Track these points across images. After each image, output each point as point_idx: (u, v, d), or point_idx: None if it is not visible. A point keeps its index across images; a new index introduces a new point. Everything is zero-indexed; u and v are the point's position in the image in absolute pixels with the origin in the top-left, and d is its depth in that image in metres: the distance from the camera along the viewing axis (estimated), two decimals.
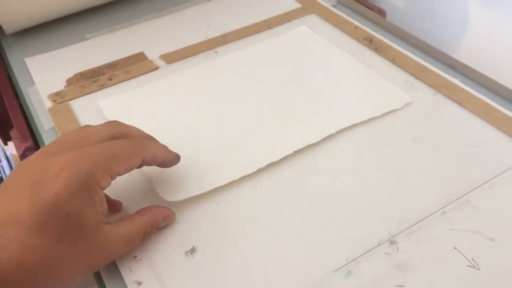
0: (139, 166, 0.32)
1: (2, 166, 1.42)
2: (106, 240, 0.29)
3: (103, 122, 0.42)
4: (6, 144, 0.58)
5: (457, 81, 0.45)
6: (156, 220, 0.33)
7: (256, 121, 0.42)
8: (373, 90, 0.45)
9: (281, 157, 0.38)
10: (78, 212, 0.27)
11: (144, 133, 0.35)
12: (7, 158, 1.39)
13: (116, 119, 0.35)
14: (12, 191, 0.27)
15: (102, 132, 0.31)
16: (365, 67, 0.48)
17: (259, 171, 0.38)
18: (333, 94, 0.45)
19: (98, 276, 0.32)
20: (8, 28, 0.54)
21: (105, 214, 0.29)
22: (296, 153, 0.39)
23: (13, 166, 1.28)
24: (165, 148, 0.34)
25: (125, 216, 0.32)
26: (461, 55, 0.49)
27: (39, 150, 0.30)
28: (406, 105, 0.43)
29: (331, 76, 0.47)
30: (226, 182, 0.37)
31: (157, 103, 0.45)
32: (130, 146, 0.31)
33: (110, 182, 0.29)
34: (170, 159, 0.34)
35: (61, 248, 0.26)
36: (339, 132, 0.41)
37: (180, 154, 0.36)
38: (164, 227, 0.34)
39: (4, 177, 1.43)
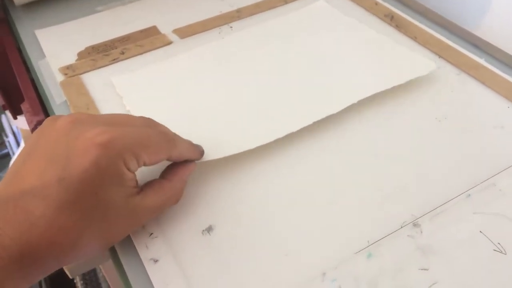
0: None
1: (9, 142, 1.42)
2: (136, 211, 0.29)
3: (115, 97, 0.42)
4: (15, 118, 0.57)
5: (481, 60, 0.44)
6: (184, 181, 0.32)
7: (275, 94, 0.41)
8: (395, 59, 0.43)
9: (300, 127, 0.37)
10: (106, 191, 0.26)
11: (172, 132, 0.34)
12: (13, 133, 1.39)
13: (129, 97, 0.34)
14: (39, 160, 0.26)
15: (137, 120, 0.31)
16: (386, 38, 0.46)
17: (278, 150, 0.37)
18: (354, 66, 0.43)
19: (113, 252, 0.31)
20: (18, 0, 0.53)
21: (135, 186, 0.29)
22: (316, 132, 0.38)
23: (20, 141, 1.27)
24: (191, 147, 0.34)
25: (153, 181, 0.31)
26: (482, 33, 0.47)
27: (69, 116, 0.28)
28: (429, 84, 0.42)
29: (350, 48, 0.45)
30: (243, 149, 0.35)
31: (172, 81, 0.43)
32: (162, 140, 0.30)
33: (137, 168, 0.28)
34: (194, 158, 0.34)
35: (89, 225, 0.26)
36: (361, 111, 0.39)
37: (198, 130, 0.35)
38: None
39: (11, 152, 1.43)
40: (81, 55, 0.47)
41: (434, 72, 0.43)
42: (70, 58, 0.47)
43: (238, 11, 0.52)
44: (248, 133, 0.37)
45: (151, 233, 0.32)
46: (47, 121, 0.29)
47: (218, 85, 0.42)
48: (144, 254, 0.31)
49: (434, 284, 0.28)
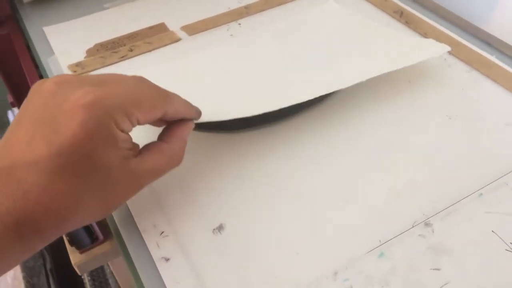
0: (160, 123, 0.31)
1: None
2: (134, 174, 0.28)
3: None
4: None
5: (492, 57, 0.43)
6: (183, 140, 0.31)
7: (286, 75, 0.40)
8: (409, 44, 0.43)
9: (307, 99, 0.36)
10: (99, 153, 0.25)
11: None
12: None
13: None
14: (27, 127, 0.25)
15: (127, 78, 0.29)
16: (398, 33, 0.46)
17: (290, 149, 0.37)
18: (367, 51, 0.42)
19: (125, 251, 0.31)
20: None
21: (131, 148, 0.27)
22: (327, 130, 0.38)
23: None
24: (187, 104, 0.32)
25: (151, 144, 0.30)
26: (491, 28, 0.47)
27: (55, 78, 0.27)
28: (440, 81, 0.41)
29: (363, 39, 0.45)
30: (248, 114, 0.35)
31: (182, 79, 0.43)
32: (155, 95, 0.29)
33: (131, 128, 0.27)
34: (191, 116, 0.32)
35: (87, 189, 0.25)
36: (371, 109, 0.39)
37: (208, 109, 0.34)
38: None
39: None
40: (89, 52, 0.47)
41: (445, 70, 0.43)
42: (79, 55, 0.47)
43: (247, 7, 0.52)
44: (254, 100, 0.36)
45: (162, 232, 0.32)
46: (34, 86, 0.27)
47: (228, 74, 0.42)
48: (156, 253, 0.31)
49: (446, 284, 0.28)
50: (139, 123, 0.28)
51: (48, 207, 0.24)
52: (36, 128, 0.25)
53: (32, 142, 0.25)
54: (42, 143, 0.24)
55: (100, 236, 0.52)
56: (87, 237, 0.52)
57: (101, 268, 0.84)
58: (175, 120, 0.32)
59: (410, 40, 0.44)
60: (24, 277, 0.85)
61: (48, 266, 0.89)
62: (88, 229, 0.52)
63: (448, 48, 0.41)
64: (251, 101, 0.37)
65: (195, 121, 0.33)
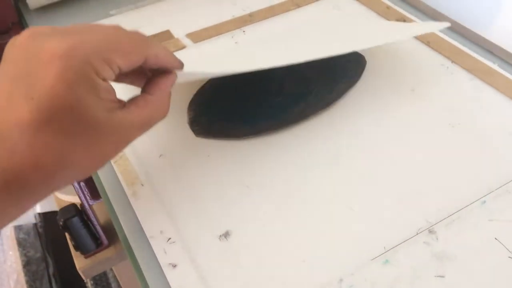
0: (140, 79, 0.30)
1: None
2: (121, 127, 0.27)
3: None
4: None
5: (494, 66, 0.44)
6: (167, 92, 0.30)
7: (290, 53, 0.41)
8: (409, 25, 0.45)
9: (304, 60, 0.36)
10: (81, 104, 0.24)
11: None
12: None
13: None
14: (4, 83, 0.24)
15: (103, 26, 0.27)
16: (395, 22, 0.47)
17: (295, 157, 0.37)
18: (368, 30, 0.43)
19: (132, 257, 0.32)
20: (32, 3, 0.53)
21: (115, 100, 0.27)
22: (329, 135, 0.38)
23: None
24: (167, 50, 0.31)
25: (135, 96, 0.29)
26: (493, 37, 0.48)
27: (27, 31, 0.26)
28: (443, 89, 0.42)
29: (363, 24, 0.46)
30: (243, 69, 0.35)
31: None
32: (134, 39, 0.27)
33: (112, 76, 0.26)
34: (172, 65, 0.31)
35: (73, 142, 0.25)
36: (376, 117, 0.40)
37: None
38: None
39: None
40: None
41: (448, 78, 0.43)
42: None
43: (251, 15, 0.53)
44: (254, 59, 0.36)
45: (169, 238, 0.32)
46: (7, 44, 0.26)
47: (235, 52, 0.43)
48: (163, 259, 0.31)
49: None
50: (120, 70, 0.27)
51: (35, 164, 0.24)
52: (14, 84, 0.24)
53: (11, 99, 0.24)
54: (21, 100, 0.23)
55: (105, 241, 0.53)
56: (92, 242, 0.52)
57: (104, 272, 0.84)
58: (158, 73, 0.31)
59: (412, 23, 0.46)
60: (27, 281, 0.86)
61: (51, 270, 0.89)
62: (93, 234, 0.52)
63: (448, 24, 0.42)
64: (250, 60, 0.37)
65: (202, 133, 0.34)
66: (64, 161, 0.25)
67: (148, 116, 0.28)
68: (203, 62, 0.41)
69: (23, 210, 0.25)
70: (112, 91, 0.26)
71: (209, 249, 0.32)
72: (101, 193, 0.36)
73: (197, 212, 0.34)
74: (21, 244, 0.93)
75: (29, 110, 0.23)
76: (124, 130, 0.27)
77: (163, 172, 0.37)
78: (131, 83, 0.32)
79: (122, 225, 0.33)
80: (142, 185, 0.35)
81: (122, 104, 0.27)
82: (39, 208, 0.99)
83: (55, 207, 0.93)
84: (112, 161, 0.37)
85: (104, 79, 0.25)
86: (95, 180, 0.37)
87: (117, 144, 0.27)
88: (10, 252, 0.93)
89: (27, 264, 0.90)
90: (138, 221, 0.33)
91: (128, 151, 0.38)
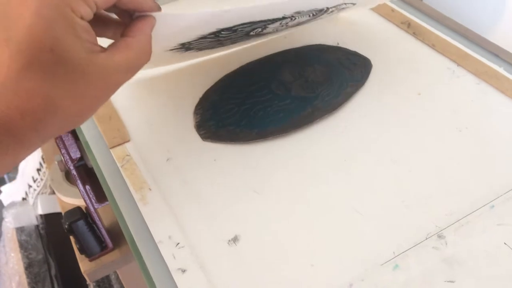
0: (116, 9, 0.29)
1: None
2: (105, 69, 0.26)
3: (138, 105, 0.42)
4: None
5: (500, 69, 0.44)
6: (148, 35, 0.29)
7: None
8: None
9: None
10: (61, 44, 0.24)
11: None
12: None
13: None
14: None
15: None
16: None
17: (302, 162, 0.37)
18: None
19: (141, 262, 0.32)
20: None
21: (95, 43, 0.26)
22: (336, 139, 0.38)
23: None
24: None
25: (116, 41, 0.28)
26: (498, 39, 0.48)
27: None
28: (449, 93, 0.42)
29: None
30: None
31: None
32: None
33: (90, 13, 0.25)
34: (148, 5, 0.29)
35: (57, 86, 0.24)
36: (383, 122, 0.40)
37: None
38: None
39: None
40: None
41: (454, 82, 0.43)
42: None
43: None
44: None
45: (178, 243, 0.32)
46: None
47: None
48: (172, 264, 0.31)
49: None
50: (97, 8, 0.26)
51: (21, 110, 0.23)
52: None
53: None
54: (1, 45, 0.23)
55: (110, 244, 0.53)
56: (96, 245, 0.52)
57: (106, 275, 0.84)
58: (136, 17, 0.29)
59: None
60: (29, 283, 0.86)
61: (53, 272, 0.89)
62: (97, 237, 0.52)
63: None
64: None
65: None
66: (51, 106, 0.24)
67: (133, 58, 0.28)
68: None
69: (15, 160, 0.25)
70: (91, 32, 0.26)
71: (218, 254, 0.32)
72: (109, 198, 0.36)
73: (205, 216, 0.34)
74: (23, 246, 0.93)
75: (9, 54, 0.23)
76: (109, 74, 0.26)
77: (171, 176, 0.37)
78: (113, 37, 0.31)
79: (130, 230, 0.33)
80: (150, 189, 0.35)
81: (103, 48, 0.27)
82: (40, 209, 0.98)
83: (57, 209, 0.93)
84: (119, 165, 0.37)
85: (82, 17, 0.25)
86: (102, 186, 0.37)
87: (104, 88, 0.27)
88: (12, 254, 0.92)
89: (29, 266, 0.90)
90: (146, 226, 0.33)
91: (135, 155, 0.38)
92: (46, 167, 0.92)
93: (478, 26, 0.50)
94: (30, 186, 1.08)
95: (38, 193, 1.04)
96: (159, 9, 0.30)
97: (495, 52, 0.46)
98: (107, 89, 0.27)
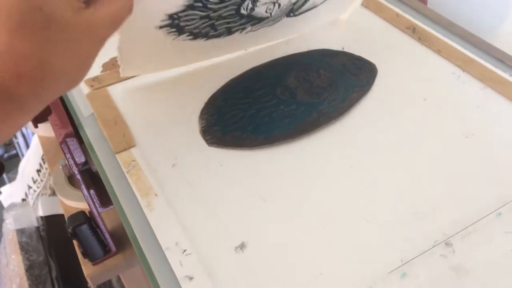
0: None
1: (18, 143, 1.43)
2: (91, 25, 0.26)
3: (143, 109, 0.42)
4: (36, 126, 0.57)
5: (506, 75, 0.44)
6: None
7: None
8: None
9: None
10: (50, 4, 0.24)
11: None
12: (23, 135, 1.39)
13: None
14: None
15: None
16: None
17: (310, 170, 0.37)
18: None
19: (148, 269, 0.32)
20: None
21: (80, 0, 0.26)
22: (343, 146, 0.38)
23: (30, 143, 1.28)
24: None
25: None
26: (502, 41, 0.48)
27: None
28: (454, 99, 0.42)
29: None
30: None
31: None
32: None
33: None
34: None
35: (50, 45, 0.25)
36: (388, 127, 0.40)
37: None
38: None
39: (20, 154, 1.44)
40: (106, 66, 0.47)
41: (459, 87, 0.43)
42: (95, 69, 0.47)
43: None
44: None
45: (185, 250, 0.32)
46: None
47: None
48: (179, 272, 0.31)
49: None
50: None
51: (17, 73, 0.24)
52: None
53: None
54: None
55: (113, 248, 0.53)
56: (100, 249, 0.52)
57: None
58: None
59: None
60: (30, 286, 0.85)
61: (54, 274, 0.89)
62: (101, 241, 0.52)
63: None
64: None
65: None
66: (46, 67, 0.25)
67: (116, 11, 0.28)
68: None
69: (16, 127, 0.25)
70: None
71: (225, 261, 0.32)
72: (115, 204, 0.36)
73: (212, 223, 0.34)
74: (24, 248, 0.93)
75: (2, 23, 0.24)
76: (95, 29, 0.27)
77: (177, 182, 0.36)
78: None
79: (137, 237, 0.33)
80: (156, 195, 0.35)
81: (87, 6, 0.27)
82: (41, 211, 0.98)
83: (57, 211, 0.92)
84: (125, 171, 0.37)
85: None
86: (108, 191, 0.36)
87: (92, 44, 0.27)
88: (13, 256, 0.92)
89: (29, 268, 0.89)
90: (153, 232, 0.33)
91: (141, 161, 0.38)
92: (47, 168, 0.91)
93: (482, 30, 0.50)
94: (30, 187, 1.07)
95: (38, 194, 1.04)
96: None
97: (501, 58, 0.46)
98: (95, 44, 0.27)
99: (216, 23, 0.39)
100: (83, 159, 0.42)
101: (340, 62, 0.46)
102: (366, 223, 0.33)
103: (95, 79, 0.45)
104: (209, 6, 0.36)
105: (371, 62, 0.46)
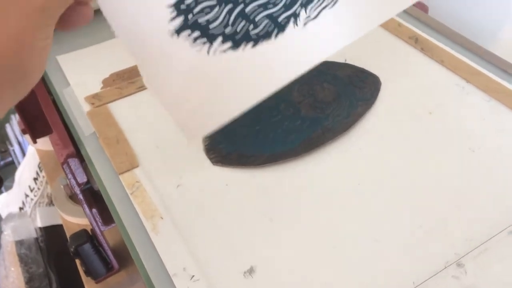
0: None
1: (14, 151, 1.42)
2: None
3: (145, 127, 0.41)
4: (35, 142, 0.57)
5: (511, 86, 0.43)
6: None
7: None
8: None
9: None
10: None
11: None
12: (19, 143, 1.38)
13: None
14: None
15: None
16: None
17: (313, 183, 0.36)
18: None
19: None
20: None
21: None
22: (348, 163, 0.38)
23: (26, 151, 1.27)
24: None
25: None
26: (503, 46, 0.47)
27: None
28: (459, 111, 0.42)
29: None
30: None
31: None
32: None
33: None
34: None
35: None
36: (394, 142, 0.39)
37: None
38: None
39: (16, 161, 1.42)
40: (106, 82, 0.46)
41: (464, 99, 0.43)
42: (95, 86, 0.46)
43: None
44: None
45: (193, 276, 0.31)
46: None
47: None
48: None
49: None
50: None
51: None
52: None
53: None
54: None
55: (116, 265, 0.52)
56: (102, 267, 0.51)
57: None
58: None
59: None
60: None
61: (54, 286, 0.88)
62: (103, 258, 0.51)
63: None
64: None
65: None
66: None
67: None
68: None
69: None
70: None
71: (234, 286, 0.31)
72: (119, 228, 0.35)
73: (219, 246, 0.33)
74: (23, 260, 0.92)
75: None
76: None
77: (182, 203, 0.36)
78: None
79: (143, 263, 0.32)
80: (162, 218, 0.35)
81: None
82: (40, 222, 0.97)
83: (56, 221, 0.91)
84: (129, 193, 0.36)
85: None
86: (112, 214, 0.36)
87: (26, 14, 0.22)
88: (12, 268, 0.91)
89: (29, 281, 0.88)
90: (159, 257, 0.33)
91: (145, 182, 0.37)
92: (44, 176, 0.91)
93: (482, 36, 0.49)
94: (27, 196, 1.06)
95: (35, 203, 1.03)
96: None
97: (505, 68, 0.45)
98: (29, 15, 0.22)
99: (247, 8, 0.29)
100: (85, 179, 0.41)
101: (343, 74, 0.46)
102: (376, 243, 0.33)
103: (95, 96, 0.44)
104: None
105: (375, 74, 0.46)
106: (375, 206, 0.35)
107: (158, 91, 0.29)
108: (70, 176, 0.41)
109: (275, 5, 0.29)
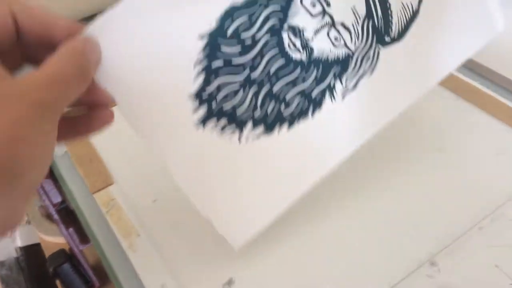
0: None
1: None
2: (22, 85, 0.20)
3: (118, 145, 0.41)
4: None
5: (476, 83, 0.45)
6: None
7: None
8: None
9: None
10: None
11: None
12: None
13: None
14: None
15: None
16: None
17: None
18: None
19: None
20: None
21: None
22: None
23: None
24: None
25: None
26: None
27: None
28: (433, 116, 0.42)
29: None
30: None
31: None
32: None
33: None
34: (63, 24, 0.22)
35: None
36: (364, 146, 0.40)
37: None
38: None
39: None
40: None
41: (432, 97, 0.44)
42: None
43: None
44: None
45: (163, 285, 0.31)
46: None
47: None
48: None
49: None
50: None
51: None
52: None
53: None
54: None
55: (96, 283, 0.52)
56: (82, 286, 0.51)
57: None
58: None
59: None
60: None
61: None
62: (83, 277, 0.51)
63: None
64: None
65: None
66: None
67: (58, 71, 0.20)
68: None
69: None
70: None
71: None
72: (96, 248, 0.35)
73: (197, 260, 0.33)
74: (4, 281, 0.90)
75: None
76: (27, 90, 0.20)
77: (159, 219, 0.36)
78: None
79: (121, 283, 0.32)
80: (139, 235, 0.34)
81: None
82: (19, 242, 0.96)
83: (35, 240, 0.90)
84: (104, 212, 0.36)
85: None
86: (88, 235, 0.35)
87: (26, 109, 0.19)
88: None
89: None
90: (138, 277, 0.32)
91: (121, 198, 0.37)
92: None
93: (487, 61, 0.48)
94: None
95: None
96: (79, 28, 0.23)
97: (472, 67, 0.46)
98: (28, 109, 0.19)
99: (275, 88, 0.25)
100: (59, 199, 0.41)
101: None
102: (352, 249, 0.33)
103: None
104: (233, 62, 0.24)
105: None
106: (349, 214, 0.35)
107: (193, 195, 0.27)
108: (44, 197, 0.40)
109: (304, 80, 0.26)
